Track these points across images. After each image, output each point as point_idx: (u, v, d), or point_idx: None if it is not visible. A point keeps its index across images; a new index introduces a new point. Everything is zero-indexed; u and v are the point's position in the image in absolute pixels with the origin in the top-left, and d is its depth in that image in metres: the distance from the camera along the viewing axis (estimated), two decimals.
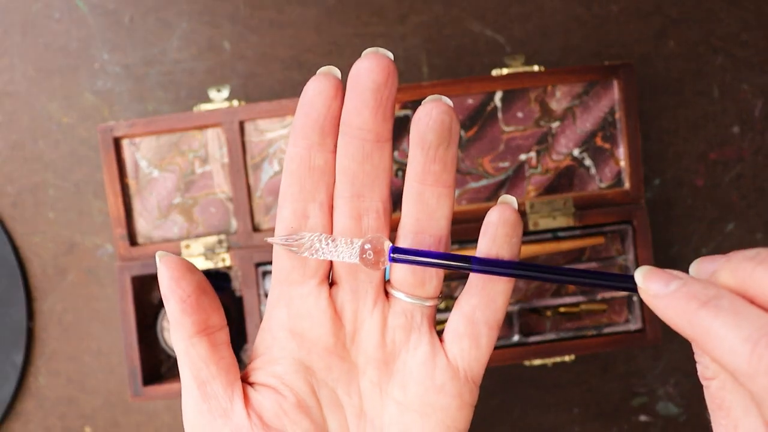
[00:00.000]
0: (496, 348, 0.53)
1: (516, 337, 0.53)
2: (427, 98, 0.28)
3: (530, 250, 0.53)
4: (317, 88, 0.27)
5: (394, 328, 0.30)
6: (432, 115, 0.27)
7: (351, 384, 0.30)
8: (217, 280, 0.57)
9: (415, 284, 0.29)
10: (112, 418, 0.61)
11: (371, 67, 0.27)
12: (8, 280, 0.60)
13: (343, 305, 0.30)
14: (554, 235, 0.53)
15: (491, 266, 0.28)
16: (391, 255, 0.28)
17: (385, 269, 0.29)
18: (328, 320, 0.30)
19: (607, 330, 0.53)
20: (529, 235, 0.53)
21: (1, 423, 0.60)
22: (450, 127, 0.28)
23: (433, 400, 0.30)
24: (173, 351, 0.53)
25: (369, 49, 0.27)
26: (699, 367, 0.28)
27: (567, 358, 0.53)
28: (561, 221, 0.53)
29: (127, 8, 0.61)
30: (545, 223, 0.53)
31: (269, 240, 0.29)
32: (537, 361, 0.54)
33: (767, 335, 0.23)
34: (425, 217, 0.29)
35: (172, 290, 0.29)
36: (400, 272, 0.29)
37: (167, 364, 0.56)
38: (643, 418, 0.61)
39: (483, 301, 0.30)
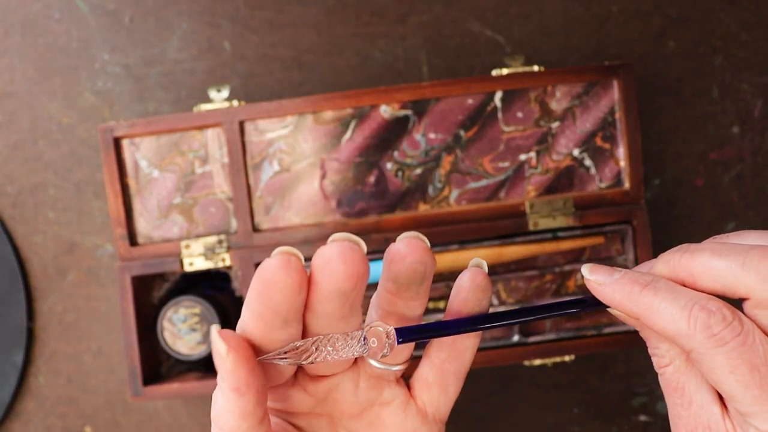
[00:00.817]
0: (496, 348, 0.53)
1: (516, 337, 0.53)
2: (403, 236, 0.28)
3: (530, 250, 0.53)
4: (278, 280, 0.26)
5: (366, 388, 0.32)
6: (406, 262, 0.27)
7: (335, 430, 0.32)
8: (217, 280, 0.57)
9: (389, 354, 0.31)
10: (112, 418, 0.61)
11: (337, 272, 0.26)
12: (8, 280, 0.60)
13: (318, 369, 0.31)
14: (554, 235, 0.53)
15: (481, 323, 0.30)
16: (399, 339, 0.28)
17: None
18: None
19: (607, 330, 0.53)
20: (528, 235, 0.53)
21: (1, 423, 0.60)
22: (423, 273, 0.28)
23: None
24: (173, 351, 0.53)
25: (338, 236, 0.27)
26: (654, 358, 0.32)
27: (567, 358, 0.53)
28: (561, 221, 0.53)
29: (127, 8, 0.61)
30: (545, 223, 0.53)
31: (263, 359, 0.27)
32: (537, 361, 0.54)
33: (698, 302, 0.28)
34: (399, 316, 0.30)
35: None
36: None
37: (167, 364, 0.57)
38: (642, 417, 0.61)
39: (453, 355, 0.32)
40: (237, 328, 0.28)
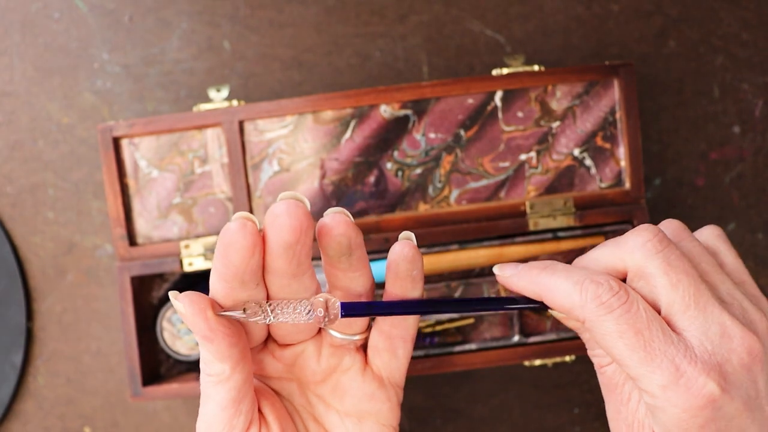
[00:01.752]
0: (496, 348, 0.52)
1: (516, 338, 0.53)
2: (329, 211, 0.31)
3: (530, 250, 0.53)
4: (234, 241, 0.29)
5: (328, 356, 0.35)
6: (332, 236, 0.31)
7: (302, 396, 0.36)
8: None
9: (345, 325, 0.35)
10: (112, 418, 0.61)
11: (283, 226, 0.29)
12: (7, 281, 0.60)
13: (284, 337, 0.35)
14: (554, 235, 0.53)
15: (417, 308, 0.34)
16: (342, 312, 0.32)
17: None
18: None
19: None
20: (529, 235, 0.53)
21: (0, 423, 0.60)
22: (348, 245, 0.31)
23: (367, 406, 0.36)
24: (173, 351, 0.53)
25: (284, 194, 0.30)
26: (595, 359, 0.35)
27: (567, 359, 0.53)
28: (561, 221, 0.52)
29: (126, 8, 0.61)
30: (545, 223, 0.52)
31: (222, 314, 0.31)
32: (537, 362, 0.53)
33: (588, 277, 0.32)
34: (346, 288, 0.34)
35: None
36: None
37: (167, 364, 0.56)
38: None
39: (396, 321, 0.35)
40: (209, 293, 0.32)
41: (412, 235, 0.34)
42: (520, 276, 0.34)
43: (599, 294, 0.32)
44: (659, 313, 0.32)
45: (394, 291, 0.34)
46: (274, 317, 0.31)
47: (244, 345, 0.33)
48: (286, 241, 0.29)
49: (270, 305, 0.31)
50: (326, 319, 0.32)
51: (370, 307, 0.33)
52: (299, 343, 0.35)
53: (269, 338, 0.36)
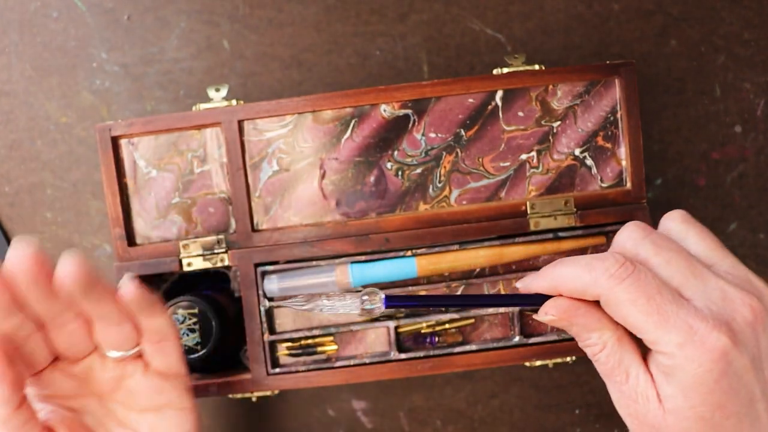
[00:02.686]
0: (496, 349, 0.52)
1: (517, 338, 0.53)
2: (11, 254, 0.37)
3: (531, 250, 0.53)
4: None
5: (113, 366, 0.43)
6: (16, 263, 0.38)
7: (102, 407, 0.43)
8: (216, 280, 0.57)
9: (119, 343, 0.42)
10: None
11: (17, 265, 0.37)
12: None
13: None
14: (555, 235, 0.53)
15: (451, 302, 0.40)
16: (385, 303, 0.37)
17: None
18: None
19: None
20: (529, 235, 0.53)
21: None
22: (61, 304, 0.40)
23: (159, 399, 0.43)
24: None
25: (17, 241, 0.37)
26: (588, 349, 0.38)
27: (568, 359, 0.53)
28: (562, 221, 0.52)
29: (125, 7, 0.60)
30: (546, 223, 0.52)
31: (283, 304, 0.39)
32: (538, 362, 0.53)
33: (594, 257, 0.35)
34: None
35: None
36: (104, 337, 0.41)
37: None
38: None
39: (150, 327, 0.42)
40: None
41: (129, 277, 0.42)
42: (535, 279, 0.38)
43: (607, 267, 0.35)
44: None
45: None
46: (328, 308, 0.37)
47: (22, 386, 0.38)
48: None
49: (323, 296, 0.36)
50: (371, 310, 0.37)
51: (410, 299, 0.39)
52: (86, 356, 0.42)
53: (56, 359, 0.42)
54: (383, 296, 0.37)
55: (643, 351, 0.37)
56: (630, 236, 0.37)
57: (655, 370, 0.36)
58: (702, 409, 0.34)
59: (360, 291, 0.36)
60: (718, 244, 0.38)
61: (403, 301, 0.38)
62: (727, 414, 0.34)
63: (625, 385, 0.37)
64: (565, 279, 0.36)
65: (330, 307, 0.37)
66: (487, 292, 0.54)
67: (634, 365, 0.36)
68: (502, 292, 0.54)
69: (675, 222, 0.38)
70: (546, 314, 0.38)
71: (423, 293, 0.40)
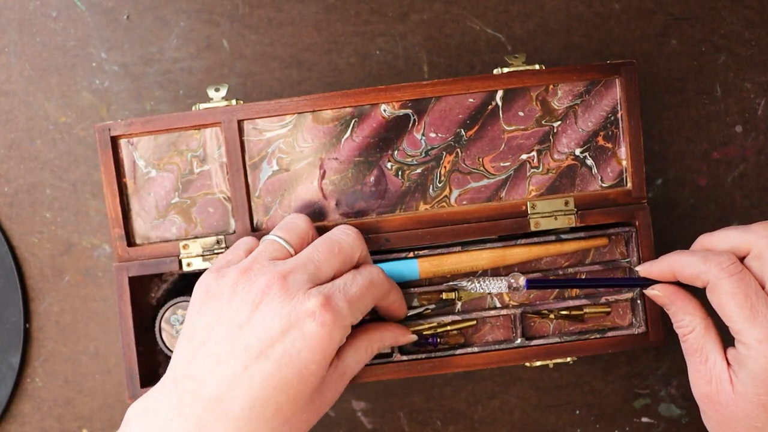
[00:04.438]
0: (497, 350, 0.52)
1: (519, 341, 0.53)
2: None
3: (533, 252, 0.52)
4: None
5: None
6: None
7: None
8: None
9: None
10: (110, 419, 0.60)
11: None
12: (5, 281, 0.60)
13: None
14: (558, 237, 0.53)
15: (601, 283, 0.51)
16: (527, 285, 0.48)
17: None
18: None
19: (610, 333, 0.53)
20: (531, 236, 0.53)
21: None
22: None
23: None
24: (171, 352, 0.53)
25: None
26: (680, 330, 0.46)
27: (569, 360, 0.53)
28: (562, 221, 0.52)
29: (124, 6, 0.60)
30: (546, 224, 0.52)
31: (455, 284, 0.51)
32: (538, 363, 0.53)
33: (711, 253, 0.44)
34: None
35: None
36: None
37: (165, 365, 0.56)
38: (645, 419, 0.60)
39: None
40: None
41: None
42: (654, 264, 0.46)
43: (720, 261, 0.43)
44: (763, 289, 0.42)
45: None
46: (481, 288, 0.48)
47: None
48: None
49: (478, 280, 0.48)
50: (516, 288, 0.47)
51: (547, 282, 0.51)
52: None
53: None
54: (525, 279, 0.47)
55: (725, 345, 0.44)
56: (764, 235, 0.43)
57: (732, 358, 0.43)
58: (766, 397, 0.41)
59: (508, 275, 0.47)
60: None
61: (541, 283, 0.49)
62: None
63: (704, 365, 0.44)
64: (683, 264, 0.44)
65: (484, 286, 0.48)
66: (490, 301, 0.54)
67: (714, 351, 0.44)
68: (503, 313, 0.54)
69: (723, 271, 0.44)
70: (654, 290, 0.46)
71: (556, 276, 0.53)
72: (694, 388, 0.45)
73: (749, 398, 0.42)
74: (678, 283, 0.46)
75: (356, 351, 0.47)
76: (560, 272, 0.53)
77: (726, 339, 0.45)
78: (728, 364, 0.43)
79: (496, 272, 0.54)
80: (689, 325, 0.45)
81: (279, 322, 0.42)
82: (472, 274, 0.54)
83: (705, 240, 0.46)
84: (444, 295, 0.54)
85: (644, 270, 0.47)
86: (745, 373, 0.42)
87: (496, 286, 0.48)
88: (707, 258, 0.43)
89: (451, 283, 0.52)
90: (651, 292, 0.47)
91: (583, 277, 0.54)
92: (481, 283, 0.48)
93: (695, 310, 0.45)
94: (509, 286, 0.47)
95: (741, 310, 0.42)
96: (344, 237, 0.47)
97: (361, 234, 0.49)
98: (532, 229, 0.52)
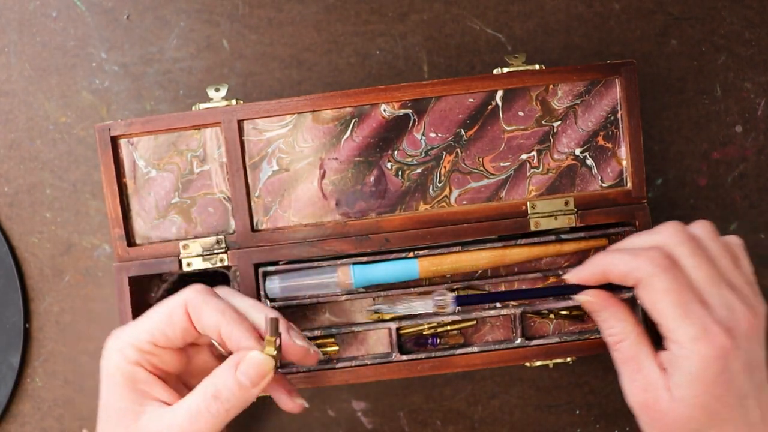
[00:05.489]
0: (497, 350, 0.52)
1: (519, 341, 0.53)
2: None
3: (533, 252, 0.52)
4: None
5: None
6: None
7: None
8: (216, 280, 0.57)
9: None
10: None
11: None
12: (5, 281, 0.60)
13: None
14: (558, 237, 0.53)
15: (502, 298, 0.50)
16: (457, 300, 0.46)
17: None
18: None
19: None
20: (531, 236, 0.53)
21: None
22: None
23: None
24: None
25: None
26: (610, 338, 0.45)
27: (569, 359, 0.53)
28: (562, 221, 0.52)
29: (124, 6, 0.60)
30: (546, 224, 0.52)
31: (372, 309, 0.51)
32: (538, 363, 0.53)
33: (641, 249, 0.43)
34: None
35: None
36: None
37: None
38: None
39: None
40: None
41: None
42: (584, 268, 0.45)
43: (652, 257, 0.42)
44: None
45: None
46: (406, 309, 0.46)
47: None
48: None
49: (401, 301, 0.45)
50: (443, 306, 0.45)
51: (476, 297, 0.48)
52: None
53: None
54: (452, 296, 0.45)
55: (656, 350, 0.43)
56: (672, 235, 0.43)
57: (666, 362, 0.42)
58: (704, 398, 0.40)
59: (433, 292, 0.45)
60: (736, 259, 0.44)
61: (471, 299, 0.47)
62: (723, 404, 0.40)
63: (639, 374, 0.43)
64: (613, 262, 0.43)
65: (408, 308, 0.45)
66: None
67: (648, 358, 0.43)
68: (503, 313, 0.54)
69: (704, 231, 0.44)
70: (586, 295, 0.45)
71: (485, 291, 0.51)
72: (630, 398, 0.44)
73: (688, 401, 0.40)
74: (607, 290, 0.45)
75: (191, 398, 0.42)
76: (560, 272, 0.53)
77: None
78: (662, 370, 0.42)
79: (496, 272, 0.54)
80: (622, 333, 0.44)
81: None
82: (473, 275, 0.54)
83: (634, 239, 0.45)
84: None
85: (574, 276, 0.46)
86: (681, 375, 0.41)
87: (421, 306, 0.46)
88: (638, 254, 0.42)
89: (373, 307, 0.51)
90: (582, 297, 0.45)
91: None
92: (404, 304, 0.46)
93: (627, 317, 0.44)
94: (435, 305, 0.45)
95: (675, 307, 0.40)
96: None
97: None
98: (532, 229, 0.52)
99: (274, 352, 0.42)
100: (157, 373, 0.44)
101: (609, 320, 0.44)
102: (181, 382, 0.47)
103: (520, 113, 0.53)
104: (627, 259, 0.42)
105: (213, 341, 0.45)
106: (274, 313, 0.44)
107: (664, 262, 0.41)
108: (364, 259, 0.52)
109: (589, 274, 0.45)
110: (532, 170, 0.53)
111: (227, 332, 0.42)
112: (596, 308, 0.45)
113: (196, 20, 0.60)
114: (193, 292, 0.44)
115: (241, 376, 0.41)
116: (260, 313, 0.44)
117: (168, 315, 0.43)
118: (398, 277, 0.52)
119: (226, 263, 0.52)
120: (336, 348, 0.54)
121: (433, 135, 0.53)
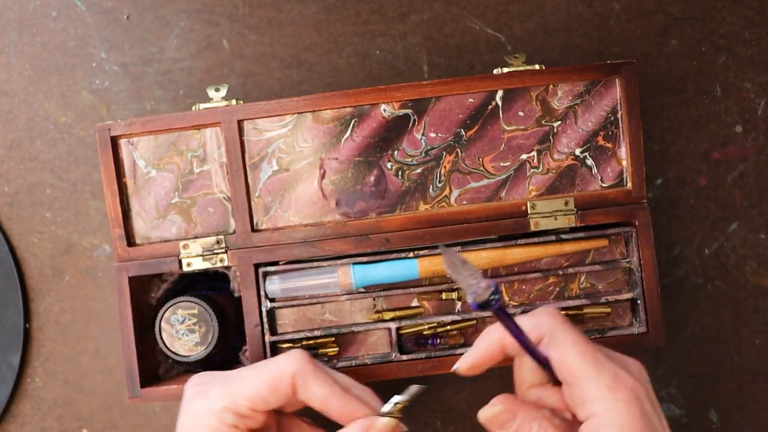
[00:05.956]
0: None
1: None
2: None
3: (533, 252, 0.52)
4: None
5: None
6: None
7: None
8: (216, 280, 0.57)
9: None
10: (110, 419, 0.60)
11: None
12: (5, 281, 0.60)
13: None
14: (558, 237, 0.53)
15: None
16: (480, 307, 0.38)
17: None
18: None
19: (610, 333, 0.53)
20: (531, 237, 0.53)
21: None
22: None
23: None
24: (171, 352, 0.53)
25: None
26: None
27: None
28: (562, 221, 0.52)
29: (124, 6, 0.60)
30: (546, 224, 0.52)
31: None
32: None
33: (535, 310, 0.43)
34: None
35: None
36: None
37: (165, 365, 0.56)
38: None
39: None
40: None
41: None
42: (477, 346, 0.44)
43: (549, 311, 0.42)
44: None
45: None
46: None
47: None
48: None
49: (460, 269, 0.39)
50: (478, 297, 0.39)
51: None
52: None
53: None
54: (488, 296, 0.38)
55: None
56: (546, 317, 0.42)
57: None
58: None
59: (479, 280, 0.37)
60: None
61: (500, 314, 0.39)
62: None
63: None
64: (510, 332, 0.39)
65: (456, 274, 0.38)
66: None
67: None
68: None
69: (555, 320, 0.42)
70: (492, 407, 0.41)
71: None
72: None
73: None
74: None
75: None
76: (560, 272, 0.53)
77: None
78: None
79: (496, 272, 0.54)
80: (542, 428, 0.41)
81: None
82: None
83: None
84: (444, 295, 0.54)
85: (464, 366, 0.44)
86: (609, 428, 0.39)
87: (463, 282, 0.39)
88: (534, 314, 0.42)
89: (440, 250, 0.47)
90: (490, 410, 0.42)
91: (582, 278, 0.54)
92: (460, 271, 0.39)
93: (539, 411, 0.41)
94: (474, 292, 0.38)
95: (585, 357, 0.40)
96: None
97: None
98: (532, 229, 0.52)
99: (400, 415, 0.45)
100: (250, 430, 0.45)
101: (525, 425, 0.41)
102: None
103: (520, 113, 0.53)
104: (522, 321, 0.41)
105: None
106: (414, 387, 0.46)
107: (561, 315, 0.42)
108: (364, 259, 0.52)
109: (483, 352, 0.43)
110: (532, 170, 0.53)
111: (339, 405, 0.44)
112: (507, 417, 0.41)
113: (196, 20, 0.60)
114: (299, 364, 0.43)
115: None
116: (359, 392, 0.46)
117: (272, 384, 0.43)
118: (398, 277, 0.52)
119: (226, 263, 0.52)
120: (336, 349, 0.54)
121: (433, 135, 0.53)
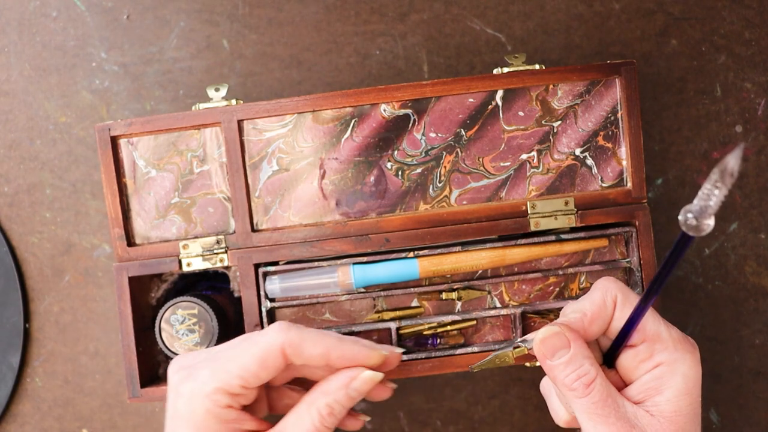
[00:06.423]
0: (496, 350, 0.52)
1: (519, 341, 0.53)
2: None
3: (533, 252, 0.52)
4: None
5: None
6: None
7: None
8: (216, 280, 0.57)
9: None
10: (110, 419, 0.60)
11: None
12: (5, 281, 0.60)
13: None
14: (558, 237, 0.53)
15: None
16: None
17: None
18: None
19: None
20: (531, 236, 0.53)
21: None
22: None
23: None
24: (171, 352, 0.53)
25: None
26: (583, 378, 0.41)
27: None
28: (562, 221, 0.52)
29: (124, 6, 0.60)
30: (546, 224, 0.52)
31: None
32: (538, 363, 0.53)
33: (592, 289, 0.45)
34: None
35: None
36: None
37: (165, 365, 0.56)
38: None
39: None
40: None
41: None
42: (565, 318, 0.44)
43: (611, 278, 0.44)
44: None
45: None
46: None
47: None
48: None
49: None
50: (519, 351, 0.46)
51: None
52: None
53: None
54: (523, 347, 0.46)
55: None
56: (611, 282, 0.44)
57: (653, 381, 0.41)
58: (691, 407, 0.40)
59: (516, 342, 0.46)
60: None
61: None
62: (697, 413, 0.41)
63: (617, 412, 0.40)
64: (584, 301, 0.43)
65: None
66: (489, 295, 0.54)
67: (619, 396, 0.41)
68: (503, 313, 0.53)
69: (620, 284, 0.44)
70: (552, 326, 0.42)
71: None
72: None
73: (678, 414, 0.40)
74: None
75: (297, 418, 0.44)
76: (560, 272, 0.53)
77: None
78: (635, 402, 0.41)
79: (496, 272, 0.54)
80: (591, 371, 0.41)
81: None
82: (473, 275, 0.54)
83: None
84: (444, 295, 0.54)
85: (573, 319, 0.44)
86: (671, 388, 0.40)
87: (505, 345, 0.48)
88: (598, 283, 0.44)
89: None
90: (548, 330, 0.42)
91: (583, 278, 0.54)
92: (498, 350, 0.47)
93: (590, 350, 0.42)
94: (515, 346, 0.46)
95: (655, 314, 0.42)
96: None
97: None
98: (532, 229, 0.52)
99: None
100: (244, 407, 0.44)
101: (575, 360, 0.41)
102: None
103: (520, 113, 0.53)
104: (597, 288, 0.43)
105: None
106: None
107: (625, 287, 0.43)
108: (364, 259, 0.52)
109: (556, 327, 0.43)
110: (532, 170, 0.53)
111: (340, 353, 0.44)
112: (561, 344, 0.41)
113: (196, 20, 0.60)
114: (285, 333, 0.43)
115: (353, 392, 0.44)
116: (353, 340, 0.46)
117: (261, 359, 0.43)
118: (398, 277, 0.52)
119: (226, 263, 0.52)
120: None
121: (433, 135, 0.53)
